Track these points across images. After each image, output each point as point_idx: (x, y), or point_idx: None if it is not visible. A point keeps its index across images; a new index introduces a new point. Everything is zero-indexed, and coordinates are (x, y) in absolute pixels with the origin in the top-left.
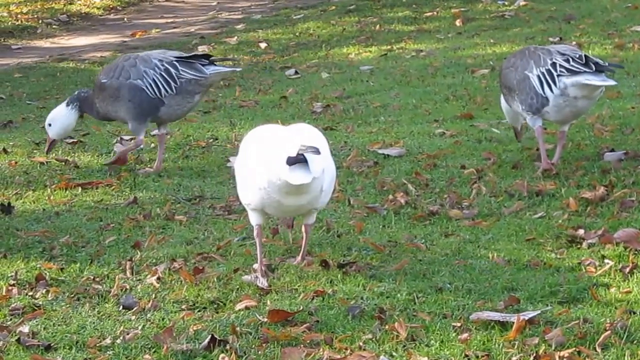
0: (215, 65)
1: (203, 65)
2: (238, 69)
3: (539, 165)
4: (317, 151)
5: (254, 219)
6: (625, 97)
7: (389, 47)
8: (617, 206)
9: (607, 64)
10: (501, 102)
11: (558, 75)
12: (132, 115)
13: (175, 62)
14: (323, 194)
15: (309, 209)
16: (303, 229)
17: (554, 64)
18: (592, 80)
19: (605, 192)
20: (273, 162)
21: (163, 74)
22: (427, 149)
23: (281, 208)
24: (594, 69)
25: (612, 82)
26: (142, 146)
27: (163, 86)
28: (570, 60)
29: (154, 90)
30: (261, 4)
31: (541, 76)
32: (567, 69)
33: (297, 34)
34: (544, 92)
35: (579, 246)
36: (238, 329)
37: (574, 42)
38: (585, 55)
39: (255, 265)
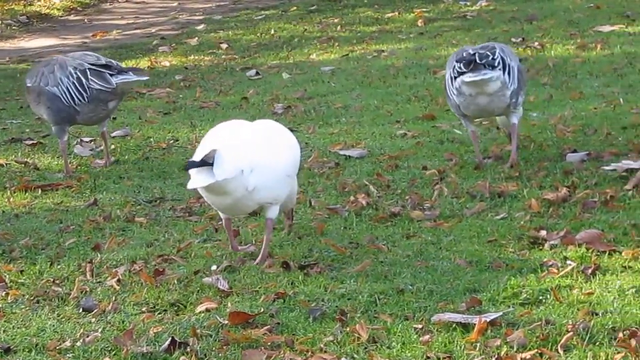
0: (123, 74)
1: (111, 75)
2: (144, 78)
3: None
4: (211, 157)
5: (220, 214)
6: (587, 98)
7: (350, 47)
8: (579, 207)
9: (484, 61)
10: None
11: (454, 77)
12: (52, 120)
13: (87, 71)
14: (263, 191)
15: (260, 204)
16: (265, 222)
17: (453, 67)
18: (467, 77)
19: (568, 193)
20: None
21: (75, 82)
22: (388, 150)
23: (220, 206)
24: (471, 67)
25: (485, 76)
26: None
27: (75, 95)
28: (462, 60)
29: (67, 99)
30: (222, 4)
31: (448, 79)
32: (457, 71)
33: (258, 34)
34: (450, 95)
35: (541, 247)
36: (198, 331)
37: (536, 43)
38: (474, 53)
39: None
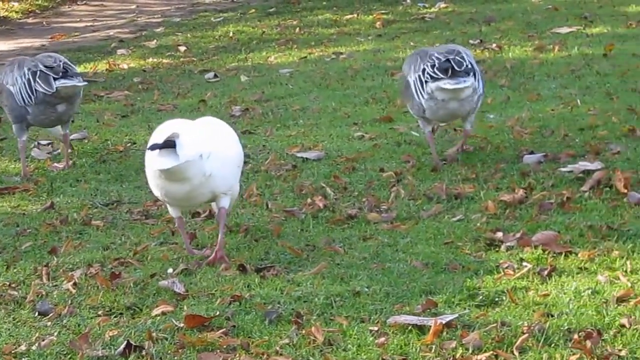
0: (66, 78)
1: (55, 78)
2: (82, 83)
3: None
4: (175, 136)
5: (172, 212)
6: (545, 100)
7: (309, 50)
8: (536, 209)
9: (462, 68)
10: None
11: (425, 82)
12: (10, 118)
13: (37, 72)
14: (218, 179)
15: (215, 193)
16: (218, 212)
17: (423, 70)
18: (446, 84)
19: (524, 194)
20: (148, 151)
21: (25, 83)
22: (346, 152)
23: (175, 196)
24: (449, 73)
25: (465, 84)
26: (22, 147)
27: (25, 96)
28: (435, 65)
29: (19, 98)
30: (181, 7)
31: (416, 81)
32: (430, 75)
33: (216, 37)
34: (418, 98)
35: (497, 249)
36: (154, 334)
37: (494, 44)
38: (448, 59)
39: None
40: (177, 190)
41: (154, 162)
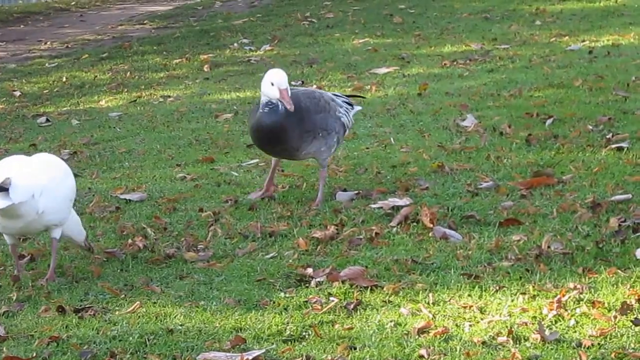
0: None
1: None
2: None
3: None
4: (7, 182)
5: (7, 239)
6: (360, 138)
7: (138, 93)
8: (346, 244)
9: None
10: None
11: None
12: None
13: None
14: (50, 215)
15: (47, 226)
16: (51, 242)
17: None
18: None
19: (336, 231)
20: None
21: None
22: (167, 193)
23: (11, 230)
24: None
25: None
26: None
27: None
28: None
29: None
30: (17, 53)
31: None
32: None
33: (50, 82)
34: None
35: (307, 285)
36: None
37: (314, 86)
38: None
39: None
40: (12, 226)
41: None
